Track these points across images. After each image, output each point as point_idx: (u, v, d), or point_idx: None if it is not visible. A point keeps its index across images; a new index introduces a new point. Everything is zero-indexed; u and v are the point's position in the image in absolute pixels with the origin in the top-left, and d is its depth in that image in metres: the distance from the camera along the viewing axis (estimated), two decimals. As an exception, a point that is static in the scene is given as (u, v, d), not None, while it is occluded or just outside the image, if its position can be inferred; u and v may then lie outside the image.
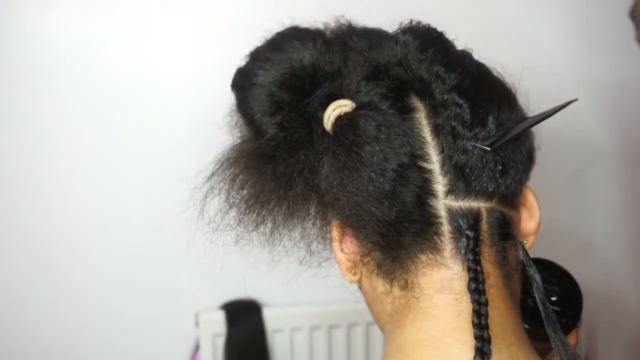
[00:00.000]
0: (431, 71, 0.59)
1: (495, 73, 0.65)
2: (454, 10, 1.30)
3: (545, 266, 0.76)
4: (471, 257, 0.58)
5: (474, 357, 0.55)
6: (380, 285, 0.62)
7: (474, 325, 0.56)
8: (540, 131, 0.65)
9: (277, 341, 1.37)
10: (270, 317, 1.36)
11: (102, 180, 1.29)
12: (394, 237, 0.59)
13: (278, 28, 0.67)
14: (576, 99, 0.61)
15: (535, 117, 0.62)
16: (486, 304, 0.56)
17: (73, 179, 1.28)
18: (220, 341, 1.34)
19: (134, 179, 1.30)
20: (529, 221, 0.64)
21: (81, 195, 1.29)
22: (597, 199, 1.48)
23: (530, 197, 0.64)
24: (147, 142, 1.29)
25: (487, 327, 0.56)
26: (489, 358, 0.55)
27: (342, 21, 0.67)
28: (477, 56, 0.64)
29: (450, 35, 0.63)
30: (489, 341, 0.55)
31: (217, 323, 1.33)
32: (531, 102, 0.66)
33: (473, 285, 0.57)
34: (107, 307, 1.33)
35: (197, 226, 0.69)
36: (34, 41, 1.24)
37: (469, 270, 0.58)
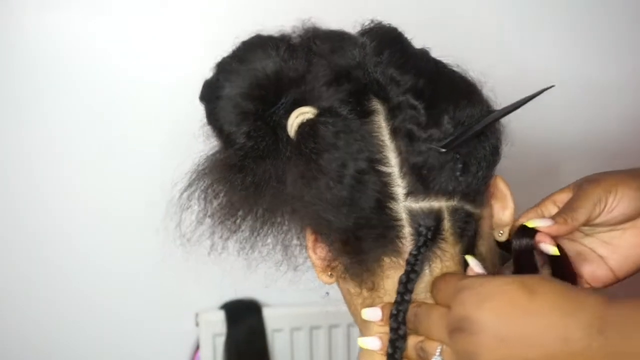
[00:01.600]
0: (386, 74, 0.60)
1: (456, 69, 0.64)
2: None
3: None
4: (414, 252, 0.58)
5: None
6: (351, 287, 0.64)
7: (391, 329, 0.58)
8: (514, 126, 0.64)
9: (277, 341, 1.37)
10: (270, 317, 1.36)
11: (103, 180, 1.29)
12: (355, 243, 0.60)
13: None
14: (553, 85, 0.61)
15: (504, 108, 0.61)
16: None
17: (73, 179, 1.28)
18: (220, 341, 1.34)
19: (135, 179, 1.29)
20: (502, 212, 0.64)
21: (81, 195, 1.29)
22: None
23: (502, 187, 0.63)
24: (150, 141, 1.29)
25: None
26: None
27: (308, 24, 0.65)
28: (438, 53, 0.63)
29: (410, 34, 0.62)
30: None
31: (217, 323, 1.33)
32: (498, 97, 0.65)
33: (404, 278, 0.57)
34: (107, 307, 1.33)
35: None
36: (34, 41, 1.24)
37: (406, 264, 0.58)
